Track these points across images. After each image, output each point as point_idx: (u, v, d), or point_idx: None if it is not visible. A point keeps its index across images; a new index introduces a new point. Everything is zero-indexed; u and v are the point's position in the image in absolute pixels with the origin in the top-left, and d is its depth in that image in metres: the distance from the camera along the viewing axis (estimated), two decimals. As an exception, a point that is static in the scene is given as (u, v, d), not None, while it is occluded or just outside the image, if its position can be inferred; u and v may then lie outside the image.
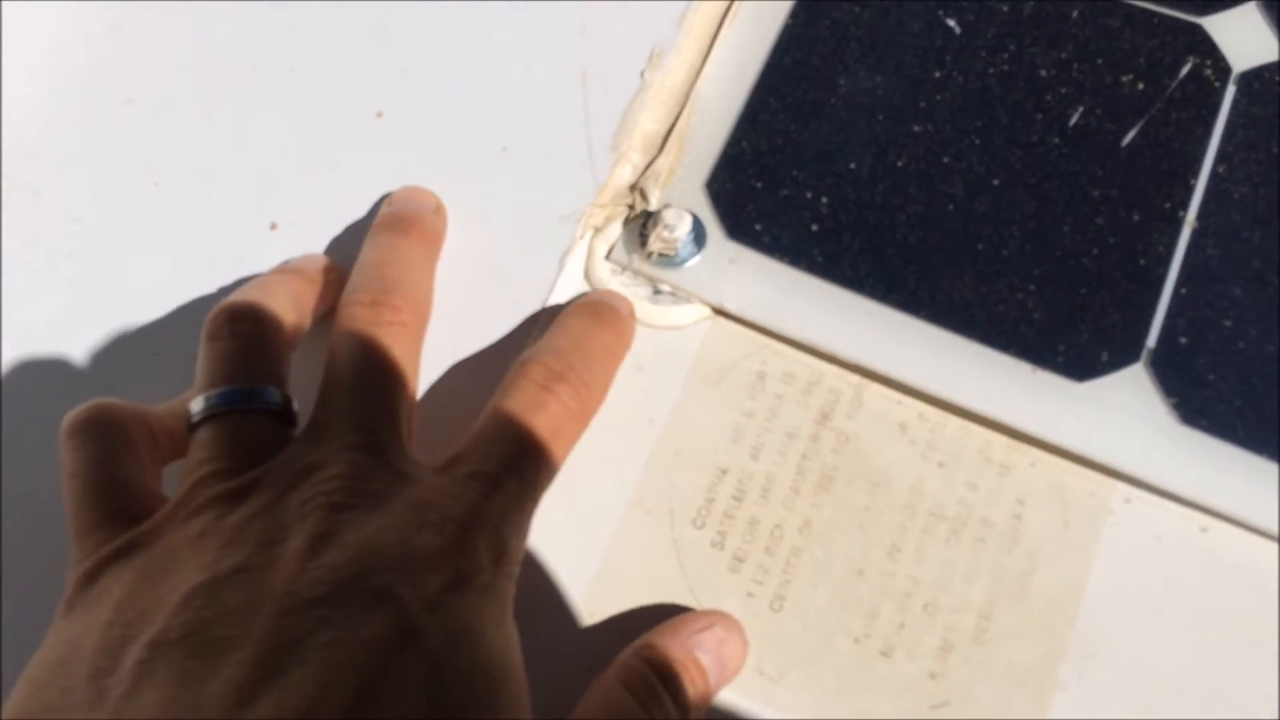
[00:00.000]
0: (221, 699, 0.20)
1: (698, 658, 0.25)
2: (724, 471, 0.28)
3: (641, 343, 0.29)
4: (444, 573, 0.22)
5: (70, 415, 0.25)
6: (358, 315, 0.26)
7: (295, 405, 0.26)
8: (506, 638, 0.23)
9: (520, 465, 0.25)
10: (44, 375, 0.29)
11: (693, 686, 0.24)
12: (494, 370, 0.28)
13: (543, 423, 0.25)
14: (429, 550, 0.22)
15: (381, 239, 0.29)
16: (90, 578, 0.23)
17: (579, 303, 0.29)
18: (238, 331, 0.26)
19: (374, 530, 0.22)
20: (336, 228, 0.30)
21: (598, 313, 0.28)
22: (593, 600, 0.27)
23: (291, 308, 0.27)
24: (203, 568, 0.22)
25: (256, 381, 0.25)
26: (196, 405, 0.25)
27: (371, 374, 0.25)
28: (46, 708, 0.21)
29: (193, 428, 0.25)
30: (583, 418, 0.26)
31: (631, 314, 0.29)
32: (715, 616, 0.26)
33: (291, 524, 0.23)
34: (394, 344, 0.26)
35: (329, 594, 0.21)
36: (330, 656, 0.20)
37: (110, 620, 0.22)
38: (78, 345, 0.30)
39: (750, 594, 0.27)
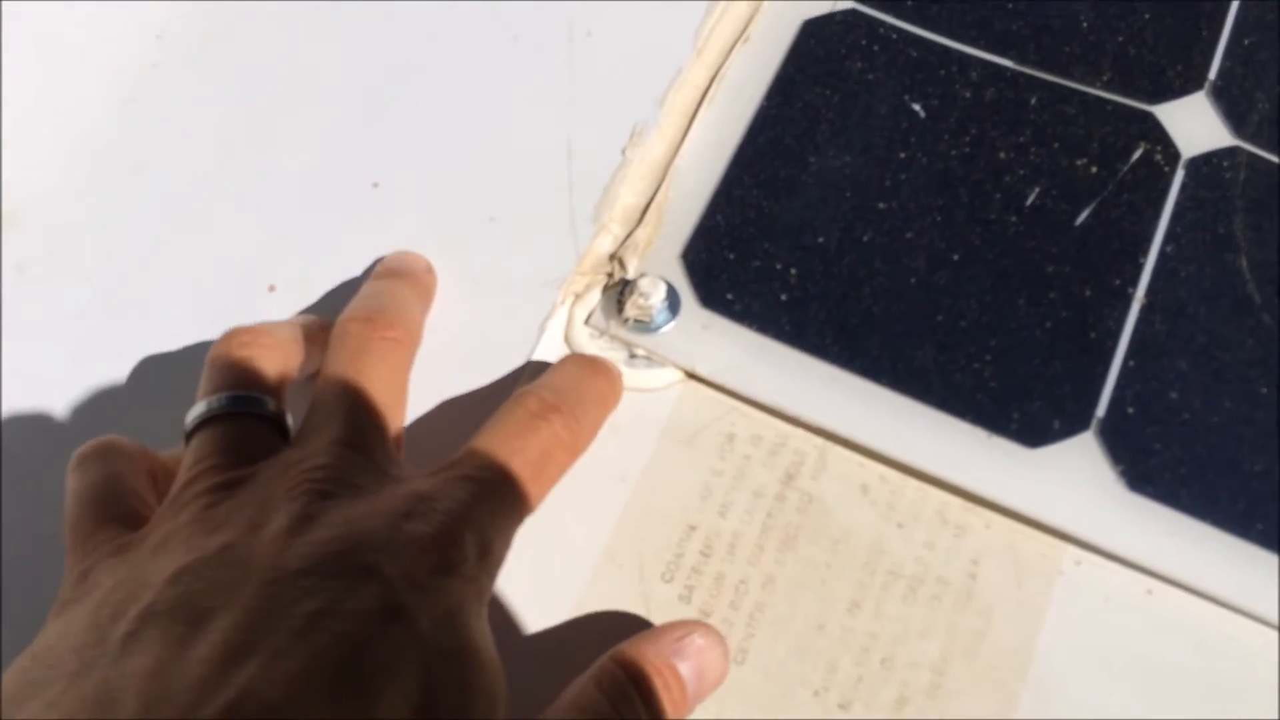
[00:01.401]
0: (209, 661, 0.20)
1: (674, 664, 0.25)
2: (693, 528, 0.29)
3: (617, 404, 0.31)
4: (430, 557, 0.22)
5: (79, 449, 0.27)
6: (351, 330, 0.28)
7: (290, 420, 0.27)
8: (485, 630, 0.23)
9: (510, 479, 0.25)
10: (52, 426, 0.31)
11: (667, 692, 0.24)
12: (474, 423, 0.30)
13: (535, 445, 0.26)
14: (416, 535, 0.23)
15: (376, 283, 0.30)
16: (83, 577, 0.23)
17: (575, 354, 0.30)
18: (238, 349, 0.27)
19: (361, 513, 0.23)
20: (332, 290, 0.32)
21: (593, 363, 0.30)
22: (564, 648, 0.28)
23: (292, 340, 0.29)
24: (191, 550, 0.22)
25: (252, 390, 0.27)
26: (194, 411, 0.26)
27: (362, 382, 0.26)
28: (30, 684, 0.21)
29: (189, 436, 0.26)
30: (573, 449, 0.27)
31: (620, 376, 0.30)
32: (695, 625, 0.26)
33: (277, 507, 0.23)
34: (385, 357, 0.27)
35: (315, 566, 0.22)
36: (317, 625, 0.21)
37: (99, 603, 0.22)
38: (86, 398, 0.31)
39: (715, 647, 0.28)
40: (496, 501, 0.25)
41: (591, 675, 0.25)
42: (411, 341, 0.29)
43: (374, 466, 0.25)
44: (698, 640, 0.25)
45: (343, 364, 0.27)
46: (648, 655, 0.25)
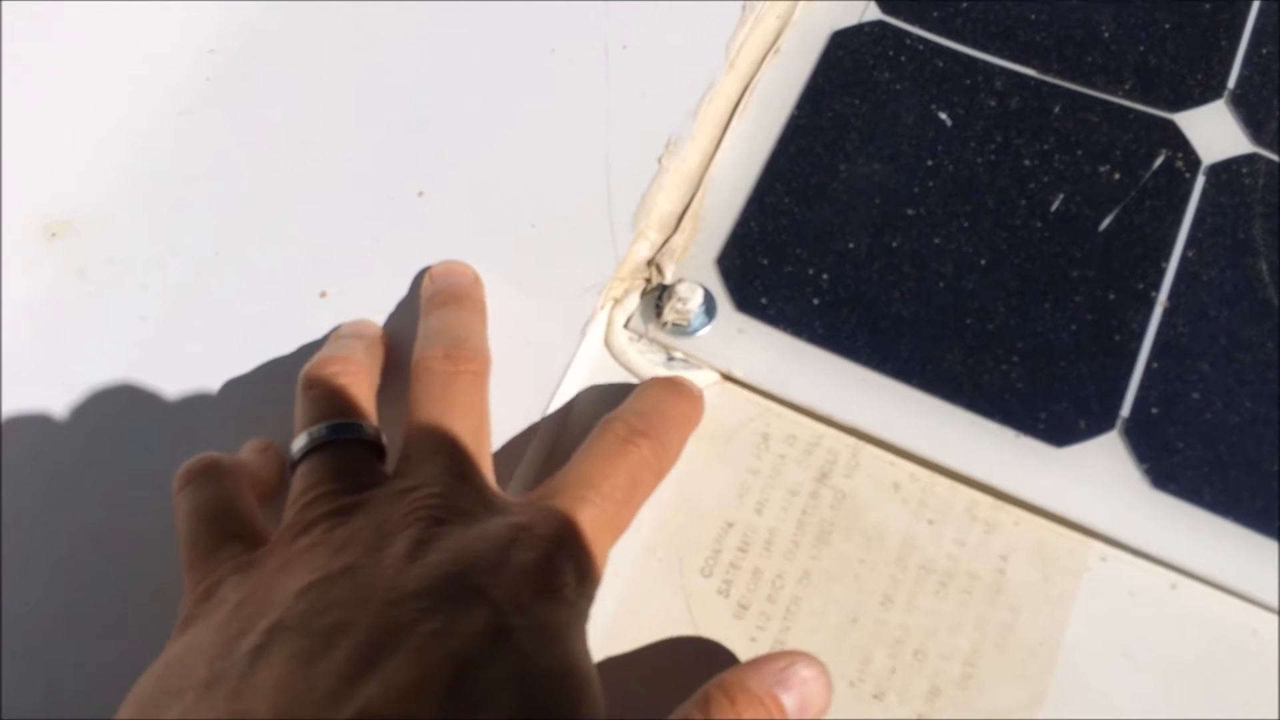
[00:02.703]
0: (333, 676, 0.21)
1: (777, 694, 0.25)
2: (730, 525, 0.30)
3: (656, 405, 0.32)
4: (534, 582, 0.24)
5: (182, 467, 0.28)
6: (435, 367, 0.29)
7: (385, 439, 0.29)
8: (585, 650, 0.25)
9: (602, 503, 0.27)
10: (118, 426, 0.32)
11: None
12: (519, 425, 0.31)
13: (623, 469, 0.28)
14: (521, 561, 0.24)
15: (440, 311, 0.32)
16: (208, 594, 0.25)
17: (659, 376, 0.32)
18: (329, 379, 0.29)
19: (471, 539, 0.25)
20: (380, 296, 0.33)
21: (676, 386, 0.31)
22: (609, 641, 0.29)
23: (371, 362, 0.31)
24: (314, 570, 0.24)
25: (351, 416, 0.28)
26: (299, 442, 0.28)
27: (453, 416, 0.28)
28: (164, 691, 0.23)
29: (296, 464, 0.28)
30: (659, 472, 0.29)
31: (702, 395, 0.31)
32: (798, 656, 0.26)
33: (396, 532, 0.25)
34: (469, 390, 0.29)
35: (431, 588, 0.23)
36: (432, 644, 0.22)
37: (227, 619, 0.24)
38: (148, 399, 0.32)
39: (753, 639, 0.29)
40: (591, 528, 0.26)
41: (695, 702, 0.25)
42: (488, 371, 0.30)
43: (478, 494, 0.27)
44: (801, 671, 0.26)
45: (434, 400, 0.28)
46: (750, 683, 0.25)
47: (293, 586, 0.24)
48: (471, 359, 0.29)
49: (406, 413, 0.29)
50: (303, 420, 0.28)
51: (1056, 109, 0.35)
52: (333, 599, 0.23)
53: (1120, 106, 0.35)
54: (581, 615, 0.25)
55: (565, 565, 0.25)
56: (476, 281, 0.33)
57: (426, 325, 0.31)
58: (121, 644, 0.30)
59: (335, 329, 0.32)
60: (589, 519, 0.26)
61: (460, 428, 0.28)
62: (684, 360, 0.32)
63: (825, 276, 0.33)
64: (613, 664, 0.29)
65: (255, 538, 0.27)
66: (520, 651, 0.23)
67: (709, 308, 0.32)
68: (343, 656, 0.22)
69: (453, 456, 0.27)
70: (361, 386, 0.29)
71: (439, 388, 0.29)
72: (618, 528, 0.27)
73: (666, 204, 0.34)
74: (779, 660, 0.26)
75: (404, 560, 0.24)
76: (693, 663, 0.29)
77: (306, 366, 0.30)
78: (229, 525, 0.27)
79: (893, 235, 0.34)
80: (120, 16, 0.38)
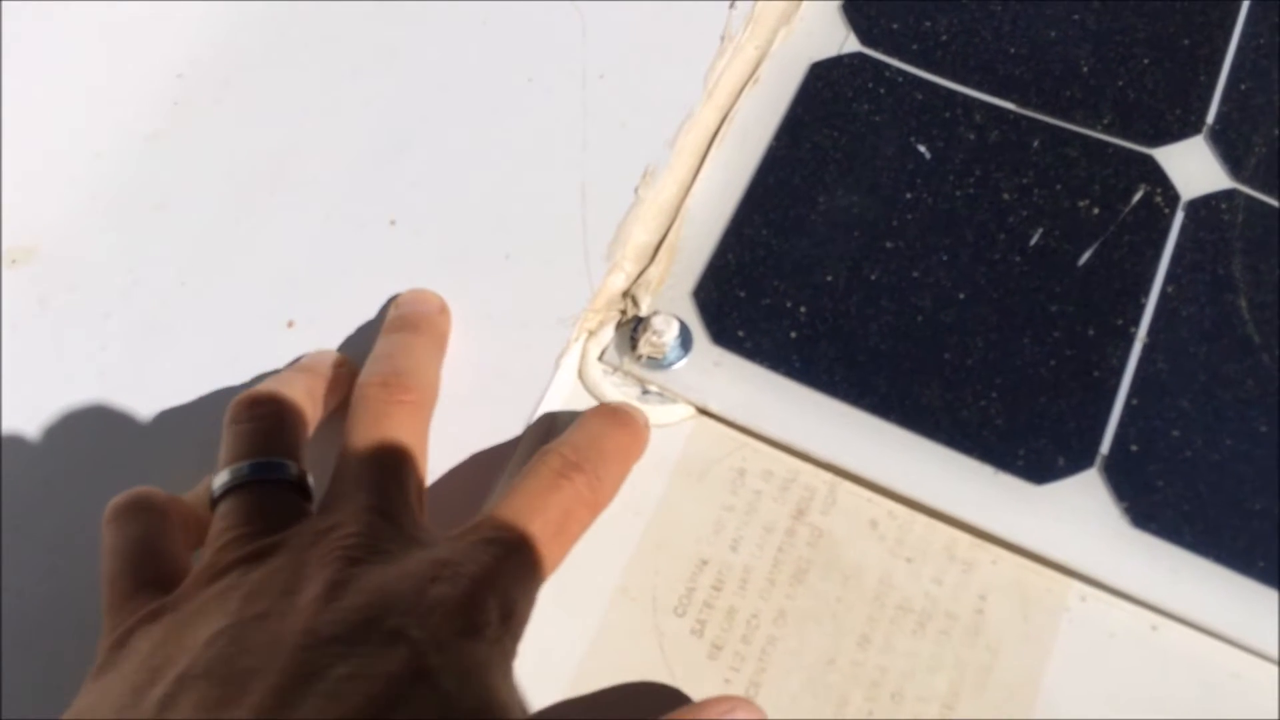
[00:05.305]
0: None
1: None
2: (705, 562, 0.30)
3: (630, 439, 0.31)
4: (455, 621, 0.23)
5: (113, 500, 0.27)
6: (370, 395, 0.28)
7: (311, 481, 0.28)
8: (511, 689, 0.24)
9: (532, 540, 0.26)
10: (76, 460, 0.31)
11: None
12: (491, 459, 0.31)
13: (556, 504, 0.27)
14: (442, 599, 0.23)
15: (391, 337, 0.31)
16: (120, 643, 0.24)
17: (601, 405, 0.31)
18: (256, 415, 0.28)
19: (390, 578, 0.24)
20: (349, 326, 0.33)
21: (616, 416, 0.30)
22: (579, 681, 0.28)
23: (306, 397, 0.29)
24: (227, 615, 0.23)
25: (274, 456, 0.27)
26: (219, 480, 0.27)
27: (384, 448, 0.27)
28: None
29: (215, 502, 0.27)
30: (594, 507, 0.28)
31: (647, 424, 0.31)
32: (737, 701, 0.26)
33: (311, 575, 0.24)
34: (405, 421, 0.28)
35: (346, 633, 0.22)
36: (347, 688, 0.21)
37: (137, 668, 0.23)
38: (108, 432, 0.32)
39: (727, 680, 0.28)
40: (518, 564, 0.26)
41: None
42: (429, 402, 0.30)
43: (401, 533, 0.26)
44: (740, 716, 0.25)
45: (365, 430, 0.28)
46: None
47: (203, 634, 0.23)
48: (410, 389, 0.29)
49: (341, 442, 0.28)
50: (226, 456, 0.27)
51: (1035, 143, 0.35)
52: (244, 646, 0.22)
53: (1099, 141, 0.35)
54: (506, 654, 0.25)
55: (489, 602, 0.24)
56: (442, 310, 0.32)
57: (375, 351, 0.30)
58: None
59: (297, 360, 0.32)
60: (517, 555, 0.26)
61: (389, 460, 0.27)
62: (658, 394, 0.32)
63: (803, 309, 0.33)
64: (582, 707, 0.28)
65: (175, 581, 0.26)
66: (441, 692, 0.22)
67: (684, 340, 0.32)
68: (254, 703, 0.21)
69: (377, 492, 0.26)
70: (291, 424, 0.28)
71: (372, 418, 0.28)
72: (549, 565, 0.27)
73: (643, 235, 0.34)
74: (719, 705, 0.26)
75: (319, 603, 0.23)
76: (665, 706, 0.28)
77: (236, 398, 0.29)
78: (148, 568, 0.26)
79: (871, 268, 0.33)
80: (87, 39, 0.38)
